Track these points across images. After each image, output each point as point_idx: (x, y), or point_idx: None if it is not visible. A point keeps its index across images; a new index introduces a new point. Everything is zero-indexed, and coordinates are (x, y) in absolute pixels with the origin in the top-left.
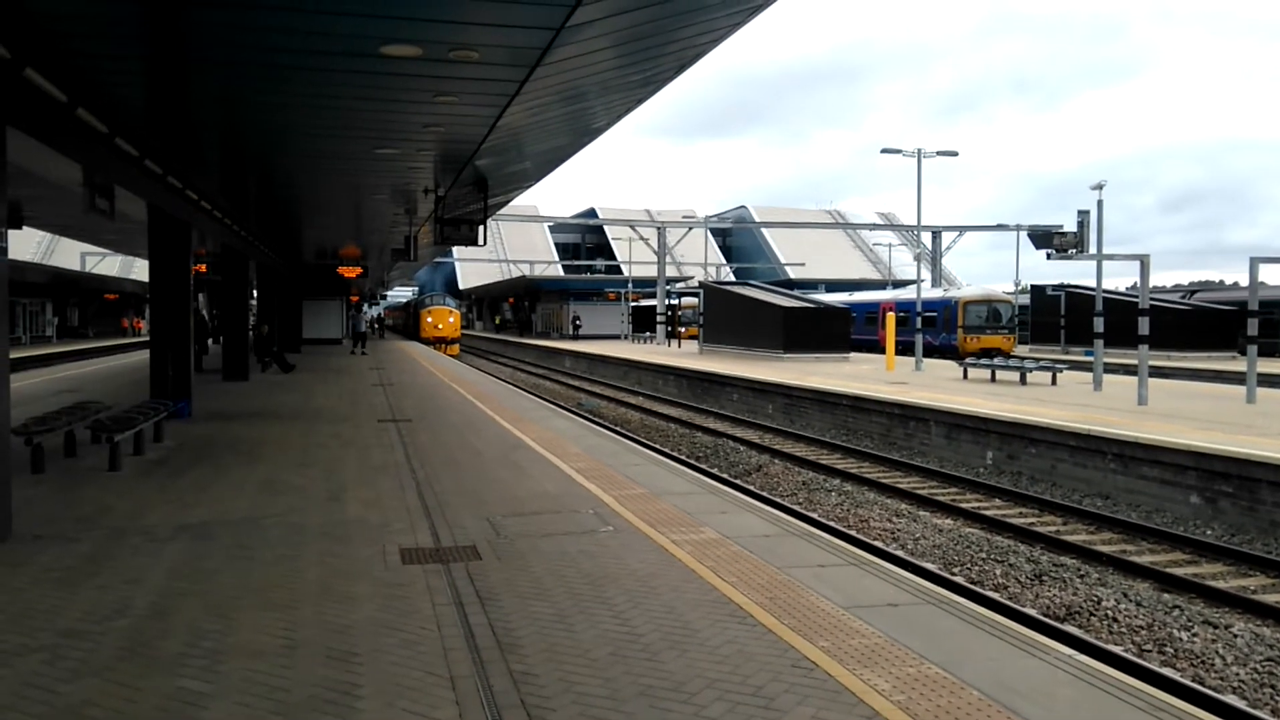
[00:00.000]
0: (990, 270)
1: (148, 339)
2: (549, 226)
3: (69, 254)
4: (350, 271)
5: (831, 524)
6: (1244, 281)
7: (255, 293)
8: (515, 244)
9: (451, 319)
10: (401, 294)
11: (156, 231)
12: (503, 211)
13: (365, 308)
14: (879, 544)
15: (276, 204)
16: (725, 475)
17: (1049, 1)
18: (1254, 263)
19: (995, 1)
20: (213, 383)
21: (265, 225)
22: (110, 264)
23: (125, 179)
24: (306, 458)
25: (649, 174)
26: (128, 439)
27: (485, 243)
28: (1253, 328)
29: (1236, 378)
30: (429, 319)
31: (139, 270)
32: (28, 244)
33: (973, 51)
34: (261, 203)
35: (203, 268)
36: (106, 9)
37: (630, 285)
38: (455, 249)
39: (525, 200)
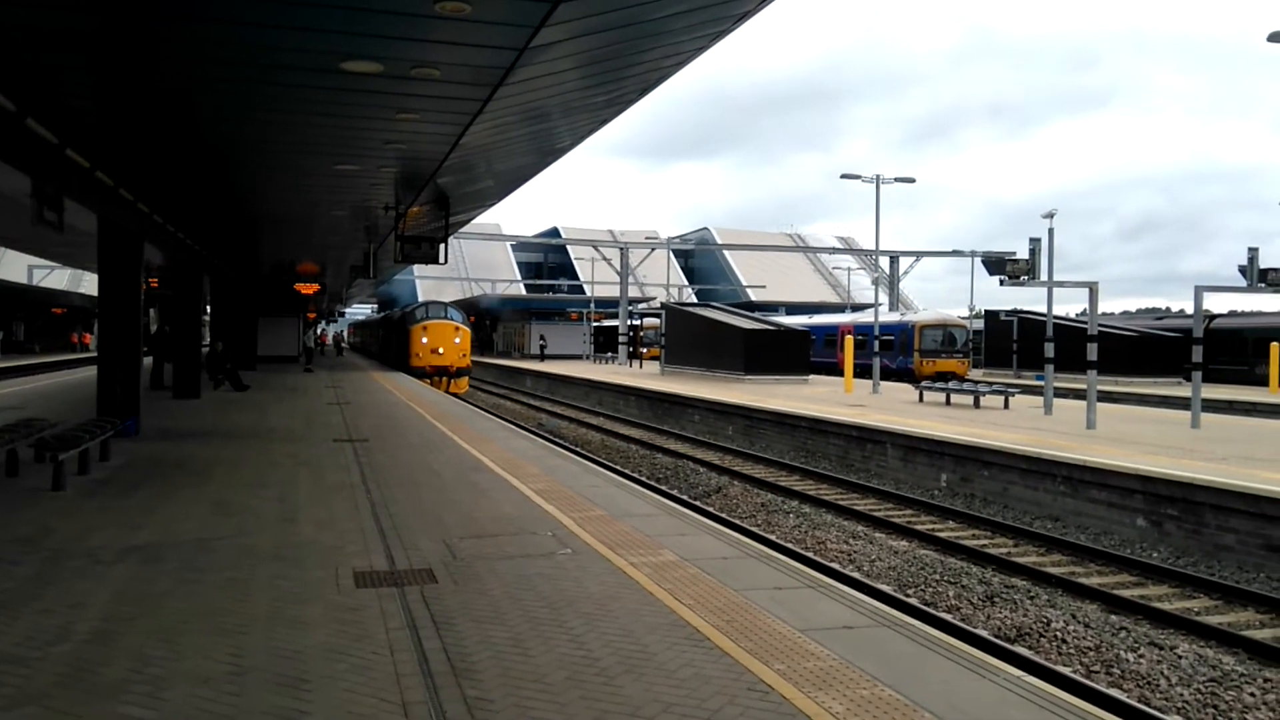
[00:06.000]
0: (948, 295)
1: (95, 355)
2: (512, 245)
3: (15, 267)
4: (308, 288)
5: (789, 546)
6: (1189, 309)
7: (208, 308)
8: (477, 261)
9: (458, 339)
10: (361, 311)
11: (107, 244)
12: (465, 229)
13: (323, 325)
14: (835, 566)
15: (232, 218)
16: (685, 497)
17: (1028, 30)
18: (1198, 291)
19: (973, 29)
20: (163, 400)
21: (220, 240)
22: (58, 277)
23: (75, 191)
24: (259, 478)
25: (618, 195)
26: (72, 458)
27: (446, 261)
28: (1196, 354)
29: (1181, 403)
30: (423, 339)
31: (88, 284)
32: None
33: (948, 78)
34: (217, 217)
35: (154, 281)
36: (61, 20)
37: (593, 305)
38: (415, 266)
39: (488, 218)
